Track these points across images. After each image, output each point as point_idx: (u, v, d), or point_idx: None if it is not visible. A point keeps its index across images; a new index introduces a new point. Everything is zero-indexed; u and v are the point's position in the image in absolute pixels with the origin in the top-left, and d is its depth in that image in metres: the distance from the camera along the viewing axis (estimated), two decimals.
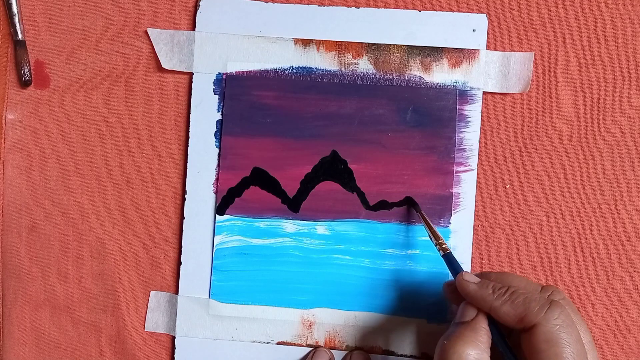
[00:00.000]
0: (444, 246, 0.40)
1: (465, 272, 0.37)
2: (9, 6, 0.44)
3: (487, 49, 0.43)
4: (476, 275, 0.38)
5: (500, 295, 0.35)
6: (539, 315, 0.33)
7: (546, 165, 0.43)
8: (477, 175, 0.43)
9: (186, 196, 0.44)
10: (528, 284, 0.37)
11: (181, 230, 0.44)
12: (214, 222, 0.44)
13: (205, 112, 0.44)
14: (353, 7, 0.43)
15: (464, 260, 0.43)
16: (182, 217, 0.44)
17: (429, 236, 0.41)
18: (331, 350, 0.43)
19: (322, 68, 0.43)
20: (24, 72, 0.44)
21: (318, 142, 0.43)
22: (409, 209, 0.43)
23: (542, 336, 0.33)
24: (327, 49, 0.43)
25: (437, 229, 0.43)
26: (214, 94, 0.44)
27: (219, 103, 0.44)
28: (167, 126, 0.44)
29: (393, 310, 0.43)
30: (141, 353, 0.44)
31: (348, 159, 0.43)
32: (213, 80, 0.44)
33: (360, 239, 0.43)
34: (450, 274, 0.40)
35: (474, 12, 0.43)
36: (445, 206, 0.43)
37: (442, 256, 0.39)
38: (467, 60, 0.43)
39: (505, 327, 0.35)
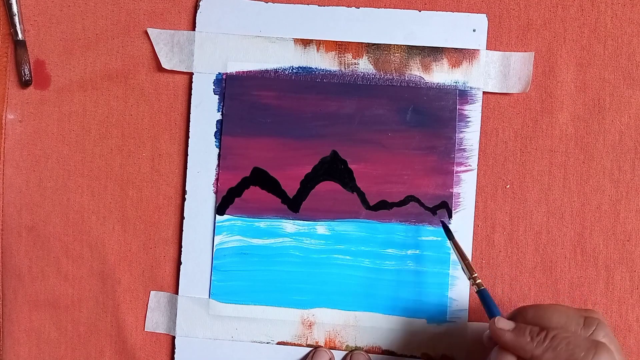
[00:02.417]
0: (478, 281, 0.38)
1: (499, 317, 0.35)
2: (9, 6, 0.44)
3: (487, 49, 0.43)
4: (511, 314, 0.36)
5: (540, 343, 0.33)
6: None
7: (546, 165, 0.43)
8: (477, 175, 0.43)
9: (186, 196, 0.44)
10: (569, 319, 0.34)
11: (181, 230, 0.44)
12: (214, 222, 0.44)
13: (205, 112, 0.44)
14: (353, 7, 0.43)
15: None
16: (182, 217, 0.44)
17: (462, 268, 0.40)
18: (331, 350, 0.43)
19: (322, 68, 0.43)
20: (24, 72, 0.44)
21: (318, 142, 0.43)
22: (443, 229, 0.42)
23: None
24: (327, 49, 0.43)
25: (437, 229, 0.43)
26: (214, 94, 0.44)
27: (219, 103, 0.44)
28: (167, 126, 0.44)
29: (393, 310, 0.43)
30: (141, 353, 0.44)
31: (348, 159, 0.43)
32: (213, 80, 0.44)
33: (360, 239, 0.43)
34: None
35: (474, 12, 0.43)
36: (445, 206, 0.43)
37: (477, 292, 0.38)
38: (467, 60, 0.43)
39: None
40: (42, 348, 0.45)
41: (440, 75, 0.43)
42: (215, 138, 0.44)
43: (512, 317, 0.36)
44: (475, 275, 0.38)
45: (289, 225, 0.43)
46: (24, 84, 0.44)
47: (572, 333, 0.33)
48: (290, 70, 0.43)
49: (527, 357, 0.33)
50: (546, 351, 0.32)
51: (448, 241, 0.41)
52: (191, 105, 0.44)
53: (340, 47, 0.43)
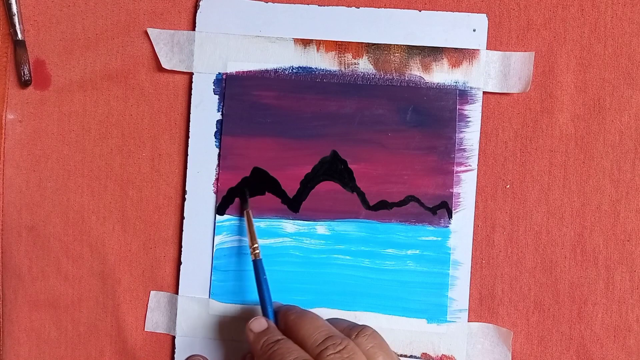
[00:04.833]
0: (256, 252, 0.41)
1: (256, 318, 0.37)
2: (8, 6, 0.44)
3: (487, 49, 0.43)
4: (285, 308, 0.38)
5: (265, 350, 0.35)
6: None
7: (546, 165, 0.43)
8: (477, 175, 0.43)
9: (186, 196, 0.44)
10: (313, 334, 0.35)
11: (181, 230, 0.44)
12: (214, 222, 0.44)
13: (205, 112, 0.44)
14: (353, 7, 0.43)
15: (464, 260, 0.43)
16: (182, 217, 0.44)
17: (248, 236, 0.42)
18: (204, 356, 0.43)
19: (322, 68, 0.43)
20: (24, 72, 0.44)
21: (318, 142, 0.43)
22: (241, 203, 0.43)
23: None
24: (327, 49, 0.43)
25: (437, 229, 0.43)
26: (214, 94, 0.44)
27: (219, 103, 0.44)
28: (167, 126, 0.44)
29: (393, 310, 0.43)
30: (141, 353, 0.44)
31: (348, 159, 0.43)
32: (213, 80, 0.44)
33: (360, 239, 0.43)
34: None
35: (474, 12, 0.43)
36: (445, 206, 0.43)
37: (253, 261, 0.40)
38: (467, 60, 0.43)
39: None
40: (42, 348, 0.45)
41: (440, 75, 0.43)
42: (215, 138, 0.44)
43: (282, 314, 0.38)
44: (256, 246, 0.41)
45: (289, 225, 0.43)
46: (24, 84, 0.44)
47: (293, 349, 0.34)
48: (290, 70, 0.43)
49: None
50: (261, 357, 0.35)
51: (244, 212, 0.42)
52: (191, 105, 0.44)
53: (340, 47, 0.43)
